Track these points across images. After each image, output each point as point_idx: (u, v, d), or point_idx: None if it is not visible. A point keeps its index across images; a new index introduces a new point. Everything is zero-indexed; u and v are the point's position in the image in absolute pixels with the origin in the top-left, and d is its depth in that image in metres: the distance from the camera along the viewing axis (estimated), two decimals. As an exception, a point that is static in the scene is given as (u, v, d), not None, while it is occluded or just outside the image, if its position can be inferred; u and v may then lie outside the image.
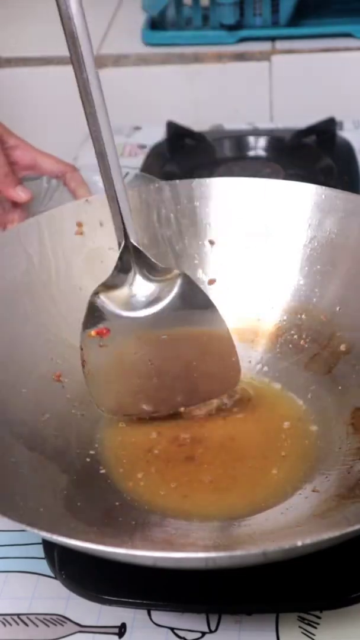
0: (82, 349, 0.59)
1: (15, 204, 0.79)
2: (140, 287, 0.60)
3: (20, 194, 0.76)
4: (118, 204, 0.57)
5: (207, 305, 0.60)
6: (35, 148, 0.80)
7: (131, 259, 0.59)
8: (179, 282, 0.60)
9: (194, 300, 0.60)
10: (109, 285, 0.59)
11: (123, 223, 0.58)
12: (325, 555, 0.47)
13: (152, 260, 0.59)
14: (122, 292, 0.60)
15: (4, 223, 0.79)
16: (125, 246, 0.58)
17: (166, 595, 0.52)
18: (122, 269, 0.59)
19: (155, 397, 0.60)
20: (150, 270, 0.60)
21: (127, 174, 0.84)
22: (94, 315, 0.59)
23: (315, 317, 0.65)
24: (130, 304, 0.60)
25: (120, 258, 0.59)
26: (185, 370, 0.60)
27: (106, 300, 0.59)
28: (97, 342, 0.59)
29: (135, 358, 0.60)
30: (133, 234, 0.58)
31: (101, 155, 0.55)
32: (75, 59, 0.52)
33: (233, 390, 0.62)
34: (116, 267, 0.59)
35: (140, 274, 0.60)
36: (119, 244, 0.59)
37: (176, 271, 0.60)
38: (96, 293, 0.59)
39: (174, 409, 0.61)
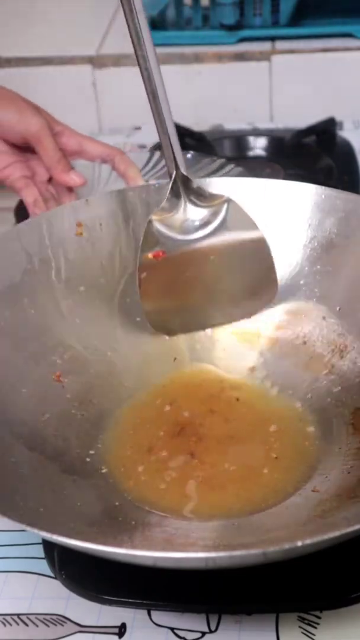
0: (139, 271, 0.64)
1: (70, 189, 0.78)
2: (191, 212, 0.65)
3: (74, 178, 0.76)
4: (169, 137, 0.62)
5: (251, 227, 0.65)
6: (81, 133, 0.79)
7: (180, 187, 0.64)
8: (225, 206, 0.65)
9: (240, 223, 0.65)
10: (162, 212, 0.64)
11: (174, 155, 0.63)
12: (325, 555, 0.47)
13: (201, 187, 0.64)
14: (175, 218, 0.65)
15: None
16: (176, 176, 0.63)
17: (166, 595, 0.52)
18: (174, 197, 0.64)
19: (201, 314, 0.66)
20: (199, 197, 0.65)
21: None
22: (150, 239, 0.64)
23: (315, 317, 0.65)
24: (182, 228, 0.65)
25: (172, 188, 0.64)
26: (229, 288, 0.66)
27: (160, 226, 0.64)
28: (153, 264, 0.64)
29: (185, 278, 0.65)
30: (182, 165, 0.63)
31: (153, 95, 0.60)
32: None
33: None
34: (168, 196, 0.64)
35: (190, 202, 0.64)
36: (170, 175, 0.63)
37: (224, 197, 0.65)
38: (151, 220, 0.64)
39: (218, 325, 0.67)
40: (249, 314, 0.67)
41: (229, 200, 0.65)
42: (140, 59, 0.59)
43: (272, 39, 1.12)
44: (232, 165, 0.86)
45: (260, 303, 0.66)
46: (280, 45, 1.11)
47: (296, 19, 1.12)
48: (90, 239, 0.67)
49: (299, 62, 1.10)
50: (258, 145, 0.99)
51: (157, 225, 0.64)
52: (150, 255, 0.64)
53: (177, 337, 0.66)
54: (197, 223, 0.65)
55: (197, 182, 0.65)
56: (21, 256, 0.64)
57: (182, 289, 0.65)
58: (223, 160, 0.87)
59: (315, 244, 0.66)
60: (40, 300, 0.64)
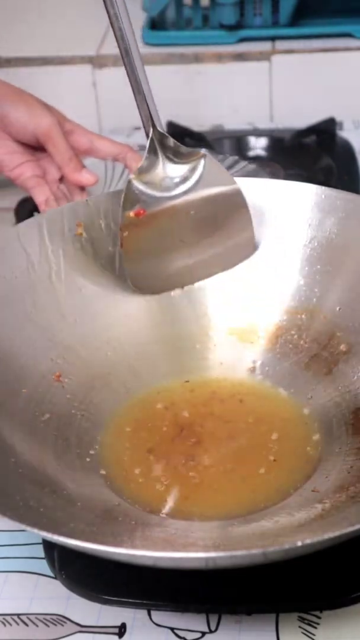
0: (121, 230, 0.65)
1: (82, 188, 0.78)
2: (169, 169, 0.66)
3: (86, 176, 0.75)
4: (144, 95, 0.63)
5: (229, 182, 0.66)
6: (91, 131, 0.79)
7: (157, 146, 0.65)
8: (202, 162, 0.66)
9: (217, 179, 0.66)
10: (141, 171, 0.65)
11: (150, 113, 0.63)
12: (325, 555, 0.47)
13: (178, 144, 0.66)
14: (154, 176, 0.66)
15: None
16: (153, 134, 0.64)
17: (166, 595, 0.52)
18: (152, 155, 0.65)
19: (182, 271, 0.67)
20: (176, 153, 0.66)
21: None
22: (131, 198, 0.65)
23: (315, 317, 0.65)
24: (162, 185, 0.66)
25: (149, 147, 0.65)
26: (209, 243, 0.67)
27: (140, 185, 0.65)
28: (134, 223, 0.65)
29: (166, 234, 0.66)
30: (159, 123, 0.64)
31: (126, 52, 0.62)
32: None
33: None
34: (147, 155, 0.65)
35: (167, 159, 0.66)
36: (147, 134, 0.64)
37: (201, 152, 0.66)
38: (130, 180, 0.65)
39: (198, 281, 0.67)
40: (228, 267, 0.68)
41: (205, 156, 0.66)
42: (112, 19, 0.61)
43: (272, 39, 1.12)
44: (245, 163, 0.86)
45: (239, 256, 0.68)
46: (280, 45, 1.11)
47: (296, 19, 1.11)
48: (90, 239, 0.67)
49: (299, 62, 1.10)
50: (258, 145, 0.99)
51: (137, 184, 0.65)
52: (131, 213, 0.65)
53: (177, 340, 0.66)
54: (175, 180, 0.66)
55: (173, 139, 0.65)
56: (21, 256, 0.64)
57: (163, 246, 0.66)
58: (235, 157, 0.87)
59: (315, 244, 0.66)
60: (40, 300, 0.64)
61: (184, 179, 0.66)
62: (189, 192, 0.66)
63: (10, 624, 0.52)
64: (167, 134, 0.65)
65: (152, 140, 0.65)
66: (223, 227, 0.67)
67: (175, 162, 0.66)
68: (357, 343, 0.62)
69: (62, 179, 0.77)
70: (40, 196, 0.74)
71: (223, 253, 0.67)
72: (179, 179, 0.66)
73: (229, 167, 0.85)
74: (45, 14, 1.24)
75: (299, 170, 0.91)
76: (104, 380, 0.63)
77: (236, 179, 0.68)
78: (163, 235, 0.66)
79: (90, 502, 0.54)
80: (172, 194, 0.66)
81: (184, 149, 0.66)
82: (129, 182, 0.65)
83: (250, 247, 0.68)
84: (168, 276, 0.67)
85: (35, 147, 0.76)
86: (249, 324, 0.67)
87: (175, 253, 0.67)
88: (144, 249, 0.66)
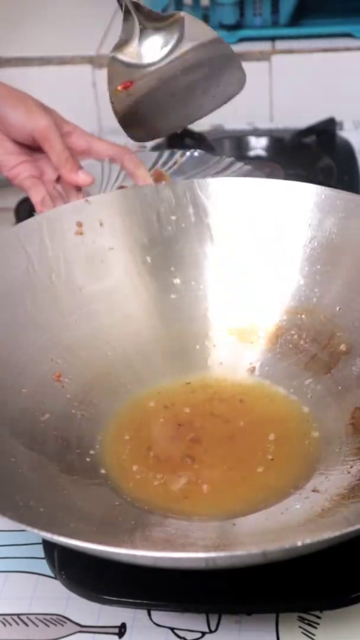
0: (112, 102, 0.66)
1: (78, 188, 0.78)
2: (148, 36, 0.66)
3: (82, 177, 0.75)
4: None
5: (210, 34, 0.67)
6: (90, 133, 0.79)
7: (133, 14, 0.65)
8: (181, 23, 0.66)
9: (199, 35, 0.67)
10: (121, 44, 0.66)
11: None
12: (325, 555, 0.47)
13: (152, 10, 0.66)
14: (133, 46, 0.66)
15: None
16: (127, 4, 0.65)
17: (166, 595, 0.52)
18: (129, 26, 0.66)
19: (178, 119, 0.69)
20: (152, 20, 0.66)
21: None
22: (116, 73, 0.66)
23: (315, 317, 0.65)
24: (144, 54, 0.66)
25: (125, 17, 0.65)
26: (201, 92, 0.68)
27: (122, 57, 0.66)
28: (124, 95, 0.66)
29: (158, 97, 0.67)
30: None
31: None
32: None
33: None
34: (123, 26, 0.66)
35: (145, 26, 0.66)
36: (120, 4, 0.64)
37: (179, 14, 0.66)
38: (112, 56, 0.66)
39: (192, 122, 0.71)
40: (217, 106, 0.69)
41: (182, 16, 0.66)
42: None
43: (272, 39, 1.12)
44: (240, 164, 0.86)
45: (232, 91, 0.68)
46: (280, 45, 1.11)
47: (296, 19, 1.12)
48: (90, 238, 0.67)
49: (299, 62, 1.10)
50: (258, 145, 0.99)
51: (120, 58, 0.66)
52: (119, 87, 0.65)
53: (177, 340, 0.66)
54: (156, 44, 0.66)
55: (146, 6, 0.66)
56: (21, 256, 0.64)
57: (156, 106, 0.68)
58: (232, 159, 0.87)
59: (315, 244, 0.66)
60: (40, 300, 0.64)
61: (165, 42, 0.66)
62: (172, 53, 0.66)
63: (10, 624, 0.52)
64: (140, 2, 0.65)
65: (126, 10, 0.64)
66: (213, 74, 0.67)
67: (152, 28, 0.66)
68: (357, 343, 0.62)
69: (59, 179, 0.77)
70: (37, 196, 0.74)
71: (216, 93, 0.68)
72: (159, 43, 0.66)
73: (225, 169, 0.85)
74: (45, 14, 1.25)
75: (299, 170, 0.91)
76: (104, 380, 0.63)
77: (238, 179, 0.68)
78: (155, 97, 0.67)
79: (90, 502, 0.54)
80: (155, 60, 0.66)
81: (159, 14, 0.66)
82: (112, 59, 0.65)
83: (241, 80, 0.68)
84: (165, 126, 0.70)
85: (33, 148, 0.77)
86: (249, 324, 0.67)
87: (168, 108, 0.68)
88: (138, 113, 0.67)
